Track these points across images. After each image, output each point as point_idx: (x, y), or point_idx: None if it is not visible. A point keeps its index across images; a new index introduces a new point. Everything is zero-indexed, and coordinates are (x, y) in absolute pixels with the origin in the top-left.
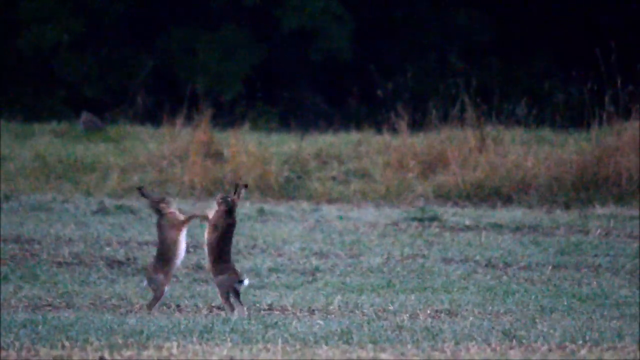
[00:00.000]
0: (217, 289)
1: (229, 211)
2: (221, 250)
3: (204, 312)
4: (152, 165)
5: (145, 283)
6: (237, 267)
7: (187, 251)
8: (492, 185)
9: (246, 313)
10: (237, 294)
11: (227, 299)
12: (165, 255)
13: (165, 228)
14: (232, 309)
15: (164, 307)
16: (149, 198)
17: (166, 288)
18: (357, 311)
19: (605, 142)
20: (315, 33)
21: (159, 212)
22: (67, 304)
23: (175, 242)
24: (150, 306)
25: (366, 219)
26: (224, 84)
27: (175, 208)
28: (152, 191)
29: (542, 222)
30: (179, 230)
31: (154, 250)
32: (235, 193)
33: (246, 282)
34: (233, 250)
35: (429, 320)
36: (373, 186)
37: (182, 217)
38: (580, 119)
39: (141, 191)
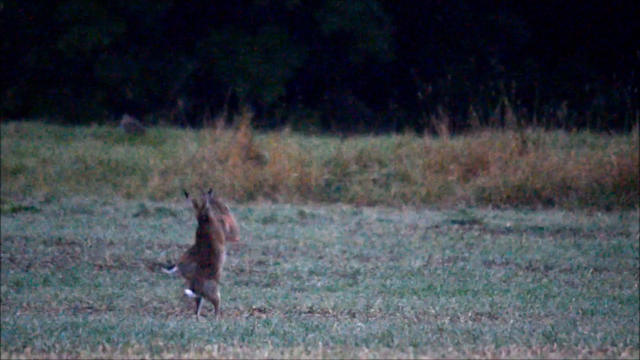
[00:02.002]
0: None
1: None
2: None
3: (245, 314)
4: (192, 168)
5: (189, 294)
6: (277, 269)
7: (228, 254)
8: (533, 187)
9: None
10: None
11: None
12: (212, 262)
13: (214, 235)
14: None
15: (205, 310)
16: (197, 207)
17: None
18: (397, 314)
19: None
20: (355, 35)
21: (207, 220)
22: (108, 307)
23: (220, 250)
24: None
25: (407, 222)
26: (264, 87)
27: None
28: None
29: (583, 225)
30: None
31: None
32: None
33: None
34: (273, 252)
35: (470, 322)
36: (413, 189)
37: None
38: (621, 121)
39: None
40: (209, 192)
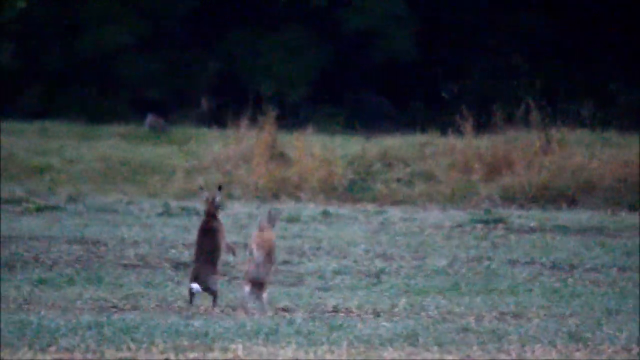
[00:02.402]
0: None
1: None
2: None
3: (270, 313)
4: (216, 167)
5: (195, 287)
6: (302, 269)
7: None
8: (557, 187)
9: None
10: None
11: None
12: (215, 259)
13: (220, 233)
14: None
15: (229, 309)
16: (209, 201)
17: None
18: (422, 313)
19: None
20: (379, 34)
21: (214, 217)
22: (133, 306)
23: (223, 246)
24: (214, 305)
25: (431, 221)
26: (288, 86)
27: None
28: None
29: (607, 224)
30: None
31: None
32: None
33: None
34: (297, 251)
35: (495, 322)
36: (438, 188)
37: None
38: None
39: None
40: (219, 189)
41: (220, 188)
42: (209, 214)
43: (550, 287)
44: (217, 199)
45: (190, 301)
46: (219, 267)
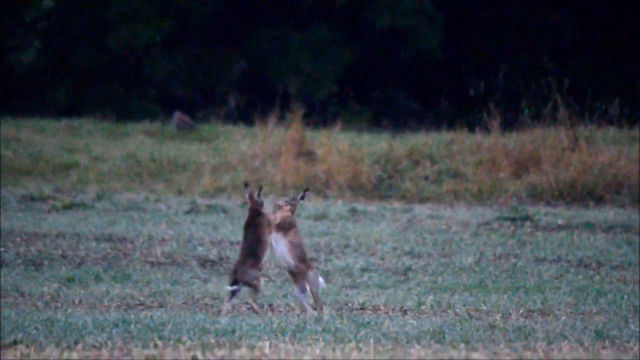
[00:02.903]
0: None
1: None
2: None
3: (297, 311)
4: (244, 165)
5: (231, 287)
6: (329, 266)
7: None
8: (585, 184)
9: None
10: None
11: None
12: (257, 253)
13: (262, 227)
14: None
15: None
16: (253, 199)
17: (262, 282)
18: (449, 311)
19: None
20: (406, 32)
21: (258, 212)
22: (160, 304)
23: (267, 241)
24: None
25: (458, 219)
26: (315, 84)
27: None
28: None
29: (634, 222)
30: (270, 230)
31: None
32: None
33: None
34: (325, 249)
35: (522, 320)
36: (465, 186)
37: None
38: None
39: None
40: (259, 190)
41: (260, 188)
42: (251, 210)
43: (577, 284)
44: (256, 194)
45: (229, 299)
46: (263, 263)
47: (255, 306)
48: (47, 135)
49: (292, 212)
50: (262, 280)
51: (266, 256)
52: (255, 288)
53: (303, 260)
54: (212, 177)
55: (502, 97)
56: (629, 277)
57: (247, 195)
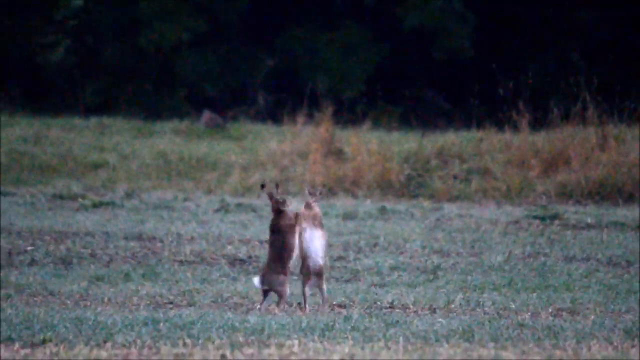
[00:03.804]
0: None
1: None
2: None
3: (326, 310)
4: (273, 164)
5: (257, 283)
6: (358, 265)
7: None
8: (614, 183)
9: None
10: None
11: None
12: (284, 255)
13: (286, 228)
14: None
15: (285, 306)
16: (273, 199)
17: (287, 287)
18: (478, 309)
19: None
20: (436, 31)
21: (280, 212)
22: (189, 302)
23: (293, 242)
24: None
25: (487, 217)
26: (345, 83)
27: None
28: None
29: None
30: (295, 230)
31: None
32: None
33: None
34: (354, 247)
35: (551, 318)
36: (494, 184)
37: (294, 217)
38: None
39: (268, 191)
40: (276, 187)
41: (277, 186)
42: (274, 211)
43: (607, 283)
44: (275, 193)
45: (263, 299)
46: (289, 267)
47: (277, 310)
48: (77, 133)
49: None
50: (288, 286)
51: (293, 259)
52: (281, 296)
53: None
54: (241, 175)
55: (531, 96)
56: None
57: (267, 196)
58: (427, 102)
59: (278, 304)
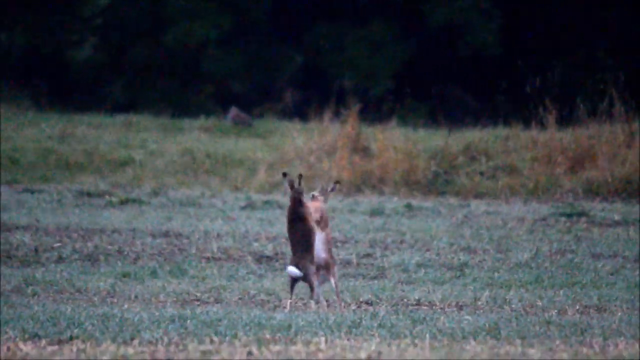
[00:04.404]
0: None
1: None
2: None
3: (352, 307)
4: (300, 160)
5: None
6: (385, 262)
7: (336, 246)
8: None
9: (318, 303)
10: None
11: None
12: (307, 245)
13: (307, 216)
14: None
15: (312, 303)
16: (293, 188)
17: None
18: (505, 306)
19: None
20: (463, 28)
21: (301, 203)
22: (216, 299)
23: (314, 232)
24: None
25: (514, 214)
26: (372, 80)
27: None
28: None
29: None
30: (312, 220)
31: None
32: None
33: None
34: (380, 244)
35: (578, 315)
36: (521, 181)
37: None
38: None
39: (290, 180)
40: (300, 177)
41: (300, 176)
42: (293, 200)
43: (634, 280)
44: (297, 183)
45: (291, 290)
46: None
47: (313, 305)
48: (103, 131)
49: (325, 204)
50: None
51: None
52: (313, 286)
53: (330, 254)
54: (268, 172)
55: (558, 93)
56: None
57: (287, 185)
58: (453, 99)
59: (312, 295)
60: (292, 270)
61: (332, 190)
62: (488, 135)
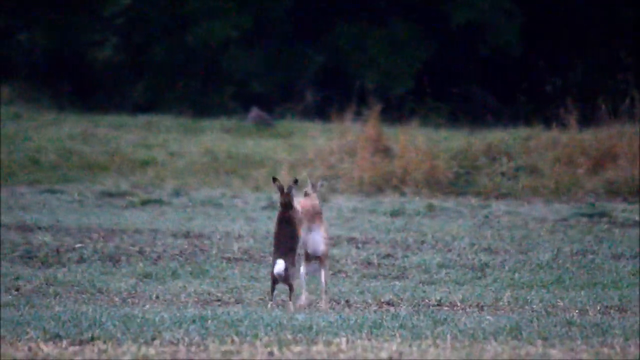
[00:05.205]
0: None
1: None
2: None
3: (373, 307)
4: (320, 161)
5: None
6: (406, 262)
7: (357, 247)
8: None
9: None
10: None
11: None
12: (290, 249)
13: (296, 221)
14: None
15: (334, 303)
16: (283, 194)
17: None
18: (526, 307)
19: None
20: (484, 28)
21: (291, 206)
22: (237, 300)
23: (299, 238)
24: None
25: (535, 215)
26: (393, 80)
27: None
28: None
29: None
30: (300, 226)
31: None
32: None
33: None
34: (402, 245)
35: (599, 316)
36: (542, 182)
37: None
38: None
39: (279, 185)
40: (295, 182)
41: (296, 182)
42: (282, 205)
43: None
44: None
45: (272, 292)
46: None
47: (291, 306)
48: (125, 131)
49: (317, 200)
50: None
51: (298, 251)
52: (290, 285)
53: (327, 247)
54: (289, 173)
55: (579, 93)
56: None
57: (278, 190)
58: (475, 99)
59: (290, 297)
60: (280, 263)
61: (321, 186)
62: (509, 136)
